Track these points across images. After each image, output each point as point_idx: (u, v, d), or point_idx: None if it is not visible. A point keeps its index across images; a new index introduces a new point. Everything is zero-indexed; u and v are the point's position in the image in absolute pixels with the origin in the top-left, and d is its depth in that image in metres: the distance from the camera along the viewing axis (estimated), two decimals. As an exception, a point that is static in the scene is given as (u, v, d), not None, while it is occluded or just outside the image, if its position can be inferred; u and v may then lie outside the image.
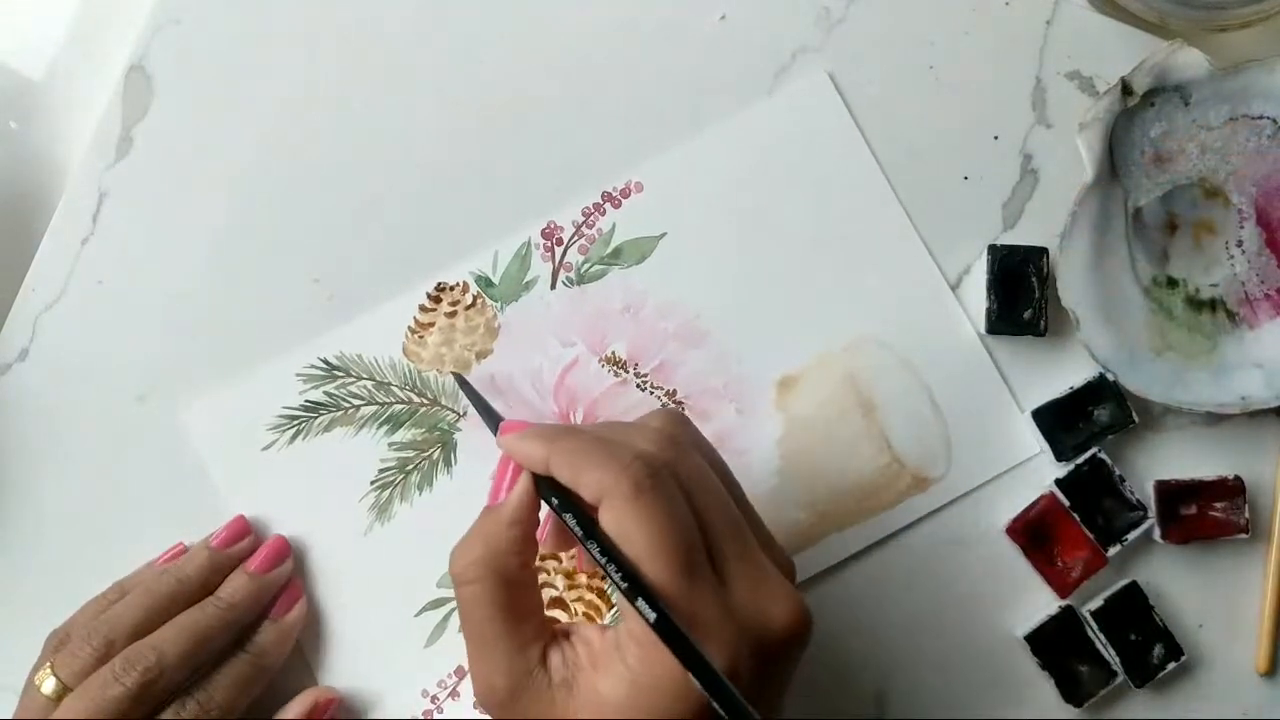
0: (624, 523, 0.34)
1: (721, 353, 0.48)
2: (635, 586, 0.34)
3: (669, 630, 0.33)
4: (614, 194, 0.48)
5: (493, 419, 0.43)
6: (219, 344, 0.48)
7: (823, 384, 0.48)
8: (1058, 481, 0.46)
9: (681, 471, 0.36)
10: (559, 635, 0.37)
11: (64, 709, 0.41)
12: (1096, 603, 0.46)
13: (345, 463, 0.47)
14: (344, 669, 0.47)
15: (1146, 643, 0.46)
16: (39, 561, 0.47)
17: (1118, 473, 0.46)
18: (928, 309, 0.48)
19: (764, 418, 0.48)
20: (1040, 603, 0.47)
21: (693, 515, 0.35)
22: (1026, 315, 0.47)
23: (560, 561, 0.47)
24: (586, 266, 0.48)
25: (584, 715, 0.34)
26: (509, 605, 0.36)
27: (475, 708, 0.45)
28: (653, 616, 0.33)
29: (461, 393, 0.47)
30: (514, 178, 0.48)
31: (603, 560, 0.34)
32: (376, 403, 0.48)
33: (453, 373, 0.47)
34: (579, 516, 0.36)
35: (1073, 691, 0.46)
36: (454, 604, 0.47)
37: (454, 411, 0.48)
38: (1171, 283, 0.48)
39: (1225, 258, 0.48)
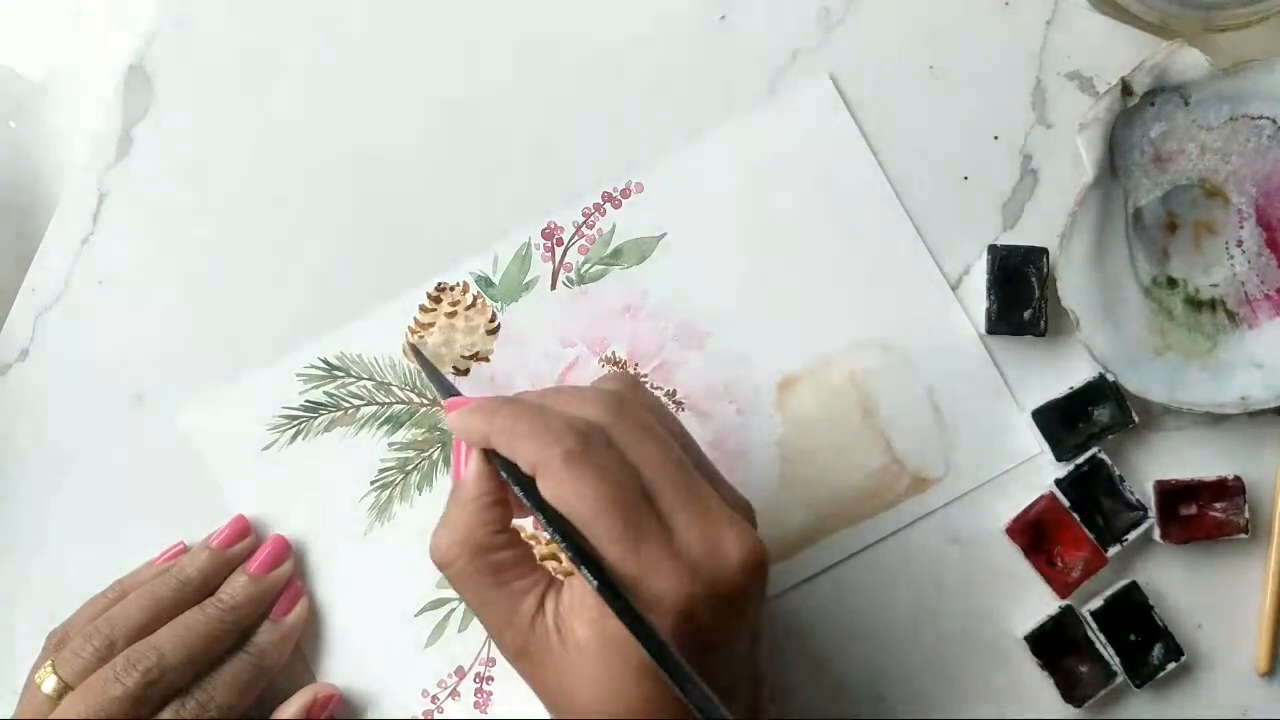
0: (560, 491, 0.35)
1: (722, 353, 0.48)
2: (578, 554, 0.34)
3: (612, 595, 0.34)
4: (614, 194, 0.48)
5: (445, 393, 0.43)
6: (219, 344, 0.48)
7: (823, 385, 0.48)
8: (1058, 481, 0.46)
9: (618, 431, 0.36)
10: (554, 584, 0.37)
11: (64, 708, 0.41)
12: (1096, 603, 0.46)
13: (345, 463, 0.47)
14: (344, 669, 0.47)
15: (1146, 643, 0.46)
16: (39, 561, 0.47)
17: (1118, 473, 0.46)
18: (928, 309, 0.48)
19: (764, 418, 0.48)
20: (1040, 603, 0.47)
21: (635, 471, 0.36)
22: (1026, 315, 0.47)
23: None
24: (587, 267, 0.48)
25: (569, 658, 0.35)
26: (494, 570, 0.37)
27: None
28: (595, 584, 0.34)
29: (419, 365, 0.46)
30: (514, 178, 0.48)
31: (550, 530, 0.35)
32: (376, 403, 0.48)
33: (409, 343, 0.47)
34: (527, 486, 0.36)
35: (1073, 691, 0.46)
36: (454, 604, 0.47)
37: (454, 411, 0.48)
38: (1171, 283, 0.48)
39: (1225, 258, 0.48)
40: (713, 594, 0.35)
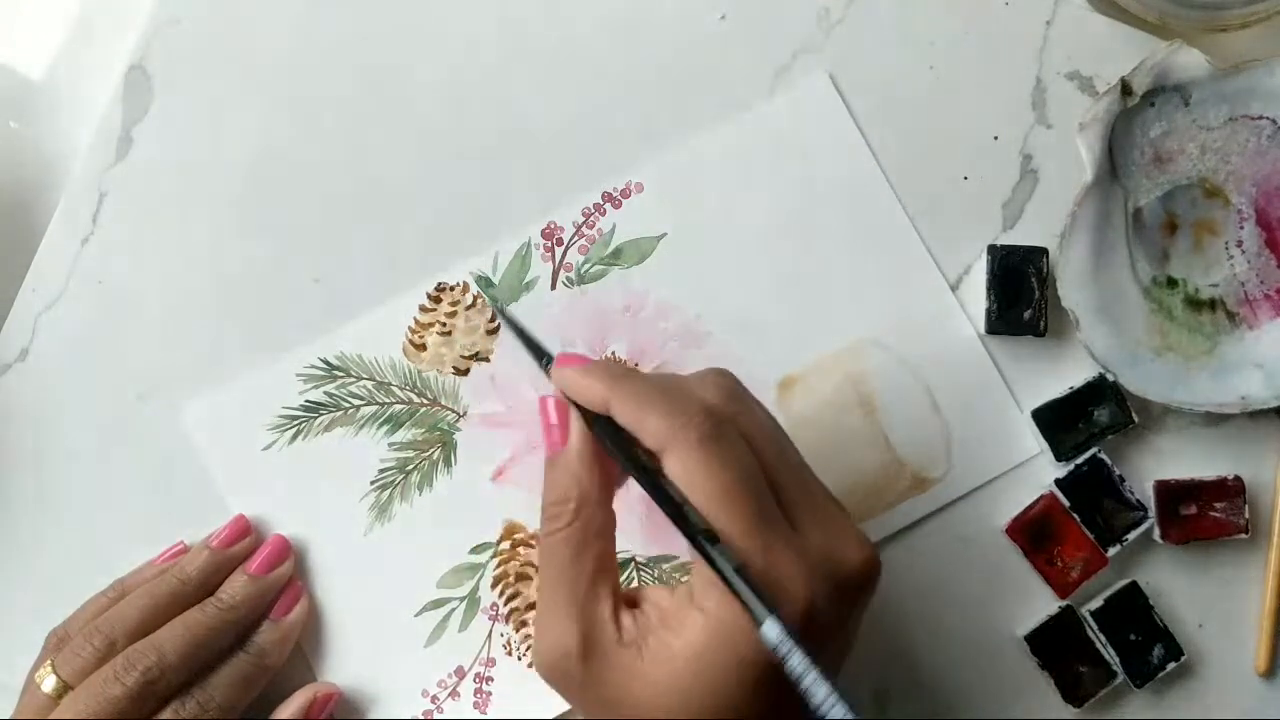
0: (692, 471, 0.34)
1: (722, 353, 0.48)
2: (701, 534, 0.33)
3: (739, 580, 0.33)
4: (614, 194, 0.48)
5: (542, 352, 0.41)
6: (219, 344, 0.48)
7: (823, 384, 0.48)
8: (1058, 481, 0.46)
9: (745, 423, 0.36)
10: (627, 600, 0.36)
11: (64, 708, 0.41)
12: (1096, 603, 0.46)
13: (345, 463, 0.47)
14: (344, 669, 0.47)
15: (1146, 643, 0.46)
16: (39, 561, 0.47)
17: (1118, 473, 0.46)
18: (928, 309, 0.48)
19: (764, 418, 0.48)
20: (1040, 603, 0.47)
21: (759, 465, 0.35)
22: (1026, 315, 0.47)
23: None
24: (587, 267, 0.48)
25: (656, 672, 0.34)
26: (591, 556, 0.36)
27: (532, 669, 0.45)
28: (723, 571, 0.33)
29: (505, 327, 0.46)
30: (514, 178, 0.48)
31: (663, 506, 0.34)
32: (376, 403, 0.48)
33: (497, 308, 0.47)
34: (636, 461, 0.35)
35: (1073, 691, 0.46)
36: (454, 604, 0.47)
37: (454, 411, 0.48)
38: (1171, 283, 0.48)
39: (1225, 258, 0.48)
40: (832, 596, 0.34)
